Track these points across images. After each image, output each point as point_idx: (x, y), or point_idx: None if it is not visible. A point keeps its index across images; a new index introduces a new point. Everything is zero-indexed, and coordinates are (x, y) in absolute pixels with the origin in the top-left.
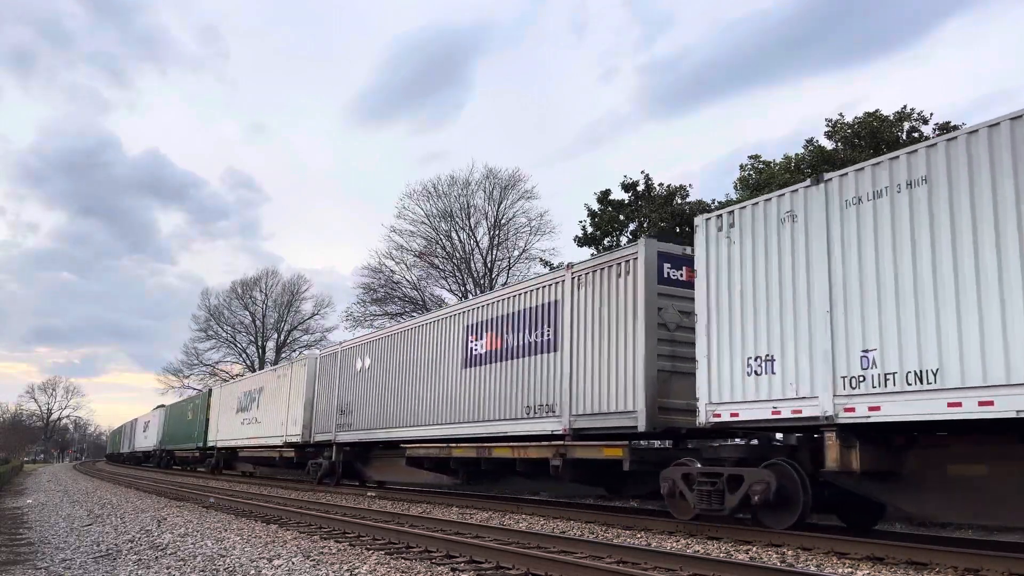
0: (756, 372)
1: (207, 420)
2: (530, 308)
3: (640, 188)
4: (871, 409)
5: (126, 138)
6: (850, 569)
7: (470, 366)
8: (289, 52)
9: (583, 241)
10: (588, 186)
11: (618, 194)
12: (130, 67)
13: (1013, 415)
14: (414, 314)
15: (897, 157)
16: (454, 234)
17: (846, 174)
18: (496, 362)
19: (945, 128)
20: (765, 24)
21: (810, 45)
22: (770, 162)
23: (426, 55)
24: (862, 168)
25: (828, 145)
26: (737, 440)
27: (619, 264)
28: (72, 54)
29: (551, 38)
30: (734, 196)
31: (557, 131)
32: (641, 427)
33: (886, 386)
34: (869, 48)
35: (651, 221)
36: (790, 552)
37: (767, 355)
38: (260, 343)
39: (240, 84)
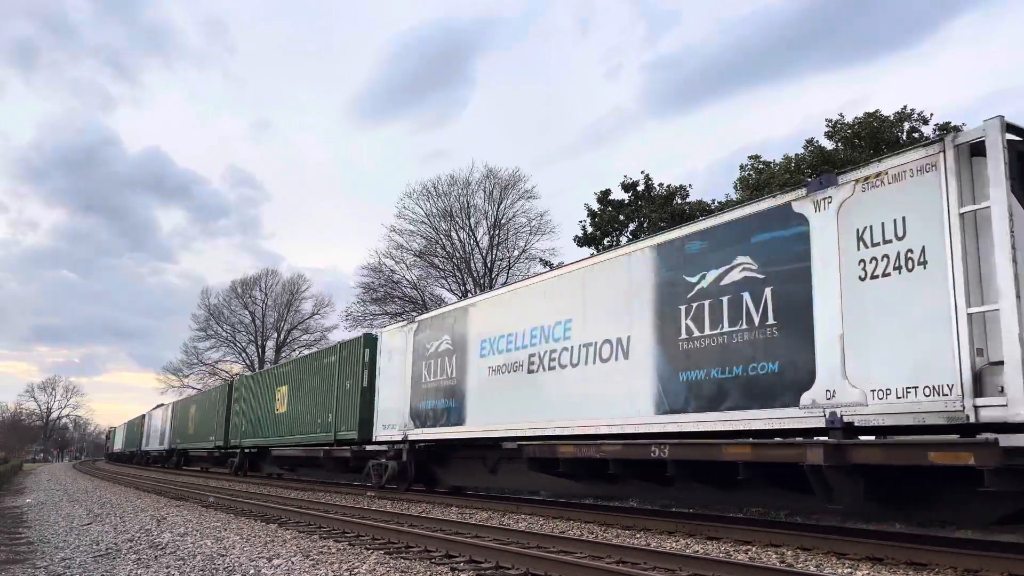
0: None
1: None
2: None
3: (640, 188)
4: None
5: (127, 135)
6: (850, 569)
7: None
8: (291, 48)
9: (583, 241)
10: (591, 185)
11: (618, 194)
12: (135, 62)
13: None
14: (413, 313)
15: None
16: (454, 234)
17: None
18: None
19: (945, 128)
20: (770, 22)
21: (815, 43)
22: (770, 162)
23: (429, 52)
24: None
25: (828, 145)
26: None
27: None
28: (76, 48)
29: (555, 35)
30: (734, 196)
31: (560, 129)
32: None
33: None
34: (874, 46)
35: (651, 221)
36: (789, 552)
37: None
38: (260, 342)
39: (244, 80)
